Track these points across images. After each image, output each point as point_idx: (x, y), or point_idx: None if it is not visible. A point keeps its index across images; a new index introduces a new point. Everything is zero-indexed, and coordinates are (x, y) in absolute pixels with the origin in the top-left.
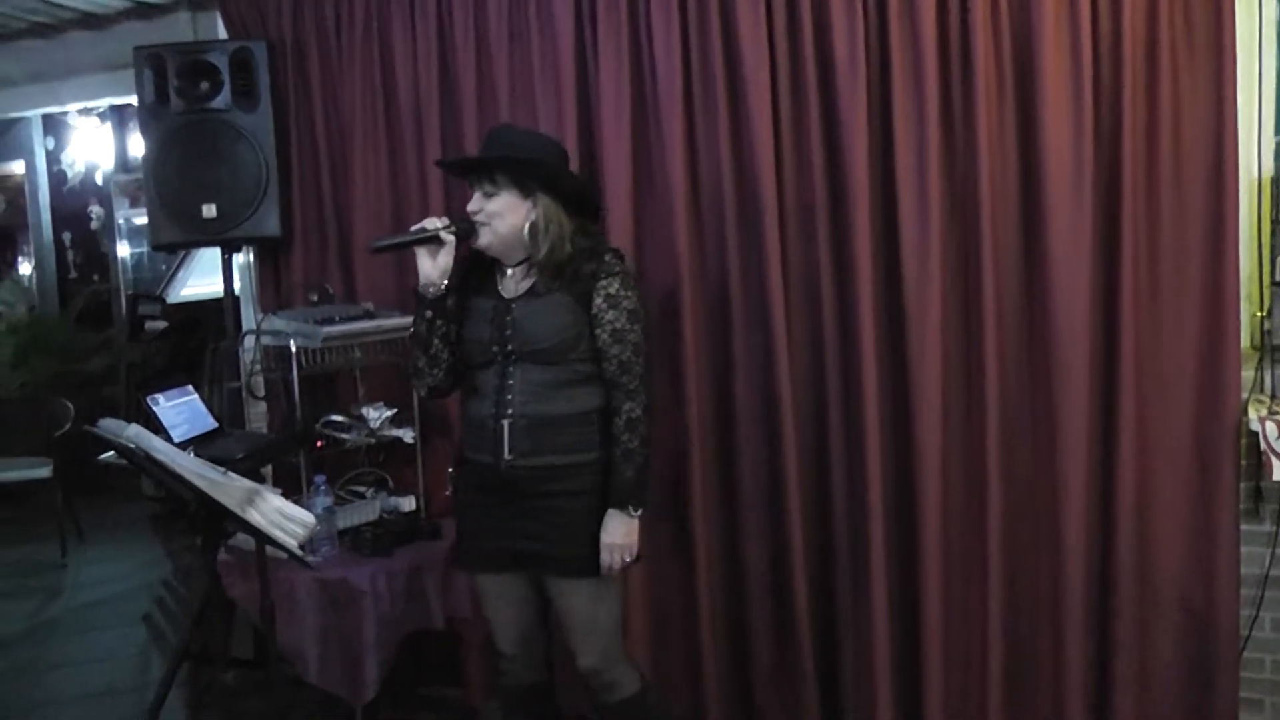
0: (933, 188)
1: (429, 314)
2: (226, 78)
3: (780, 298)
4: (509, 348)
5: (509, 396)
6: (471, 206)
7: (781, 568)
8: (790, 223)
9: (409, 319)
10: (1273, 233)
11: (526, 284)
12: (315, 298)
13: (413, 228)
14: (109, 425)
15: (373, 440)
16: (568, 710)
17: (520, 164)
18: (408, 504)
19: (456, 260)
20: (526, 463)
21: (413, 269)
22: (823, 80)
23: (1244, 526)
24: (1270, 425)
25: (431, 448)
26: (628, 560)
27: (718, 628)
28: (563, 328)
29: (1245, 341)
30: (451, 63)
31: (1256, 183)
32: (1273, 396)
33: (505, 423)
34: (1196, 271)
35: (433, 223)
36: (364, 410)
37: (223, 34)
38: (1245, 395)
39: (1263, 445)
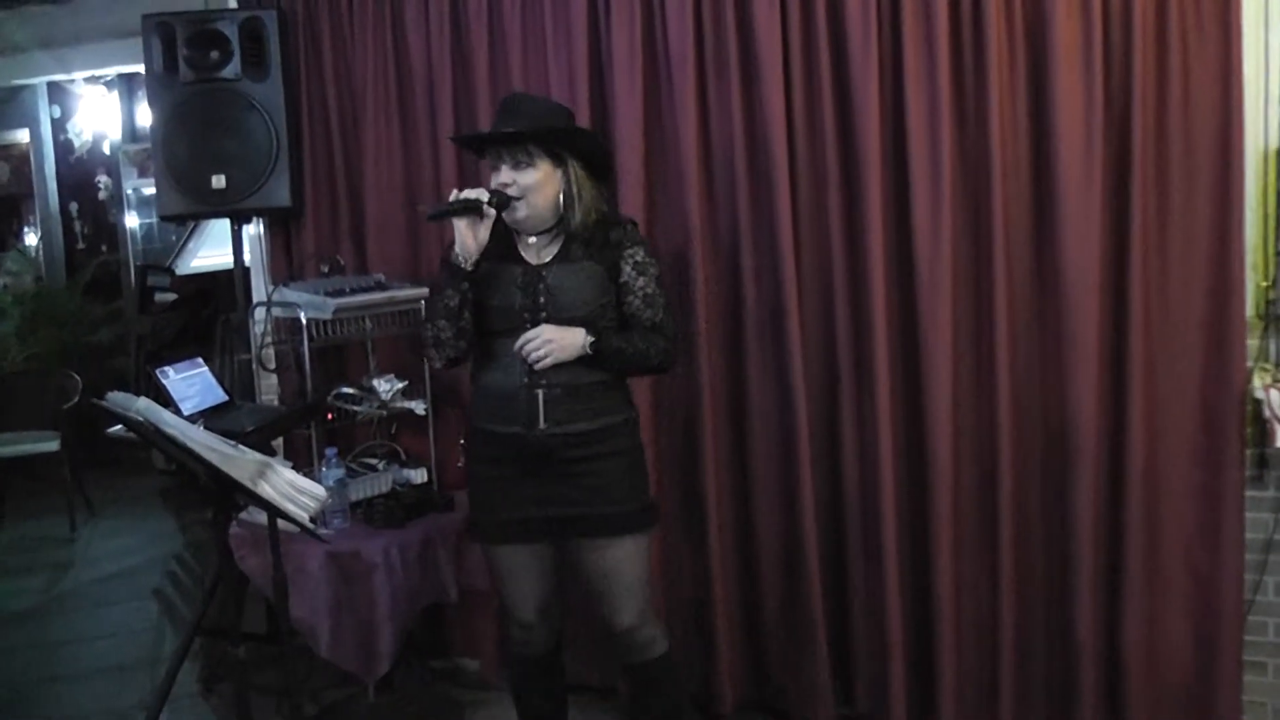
0: (944, 158)
1: (465, 286)
2: (236, 47)
3: (792, 268)
4: (542, 315)
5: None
6: (503, 179)
7: (794, 544)
8: (802, 191)
9: (420, 290)
10: (1278, 204)
11: (551, 250)
12: (326, 269)
13: (459, 195)
14: (117, 399)
15: (384, 412)
16: (574, 681)
17: (558, 134)
18: (419, 476)
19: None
20: (561, 430)
21: (426, 240)
22: (835, 48)
23: (1249, 493)
24: (1275, 393)
25: (443, 419)
26: (538, 351)
27: (730, 610)
28: (597, 294)
29: (1250, 311)
30: (464, 31)
31: (1263, 154)
32: (1278, 365)
33: (540, 391)
34: (1203, 242)
35: (479, 193)
36: (375, 382)
37: (232, 2)
38: (1251, 364)
39: (1267, 413)
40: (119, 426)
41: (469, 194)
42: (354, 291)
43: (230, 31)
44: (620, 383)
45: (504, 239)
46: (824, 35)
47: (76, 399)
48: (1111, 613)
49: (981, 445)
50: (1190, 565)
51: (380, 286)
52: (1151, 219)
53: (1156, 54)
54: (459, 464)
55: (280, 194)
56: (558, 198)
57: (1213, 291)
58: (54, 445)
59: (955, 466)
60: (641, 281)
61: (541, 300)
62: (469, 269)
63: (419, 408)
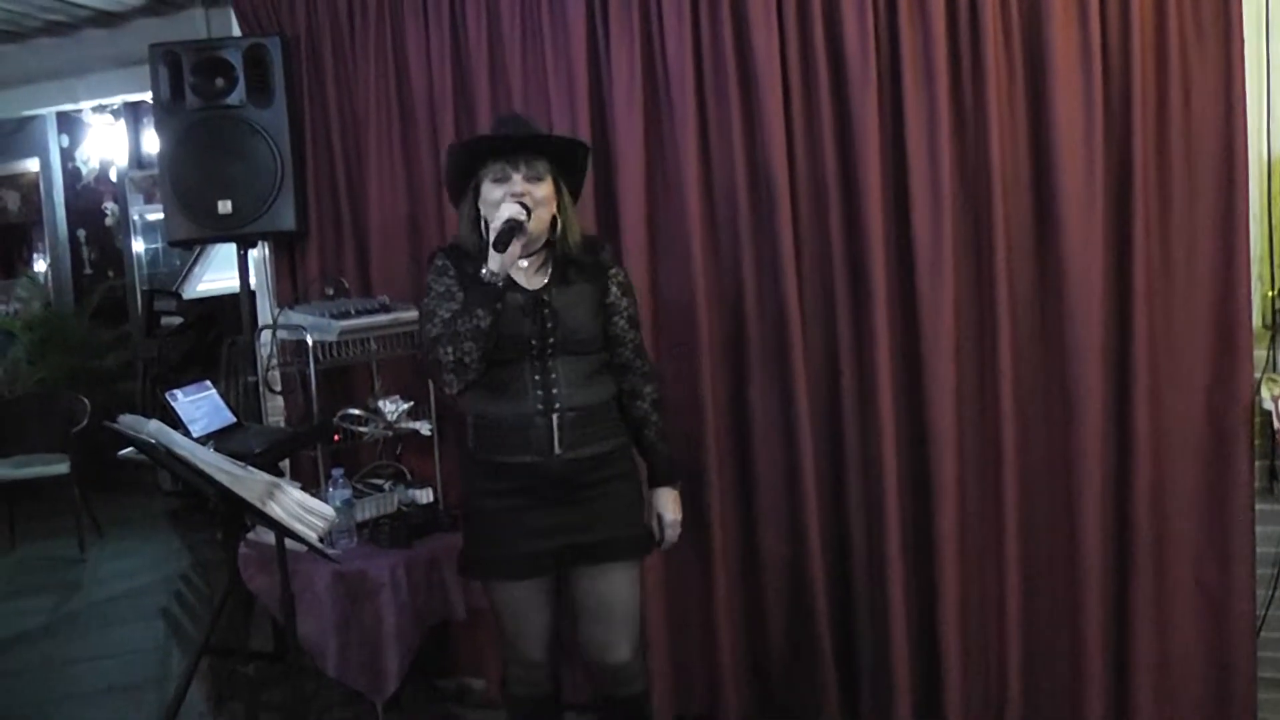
0: (945, 174)
1: (499, 306)
2: (241, 74)
3: (794, 287)
4: (550, 340)
5: (555, 391)
6: (515, 189)
7: (798, 557)
8: (803, 212)
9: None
10: None
11: (542, 275)
12: (331, 291)
13: (505, 216)
14: (129, 421)
15: (390, 433)
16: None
17: (580, 147)
18: (425, 496)
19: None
20: (575, 454)
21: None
22: (834, 69)
23: (1258, 506)
24: None
25: (448, 440)
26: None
27: (735, 618)
28: (594, 317)
29: (1257, 321)
30: (465, 56)
31: (1266, 163)
32: None
33: (554, 417)
34: (1208, 252)
35: (518, 211)
36: (381, 403)
37: (236, 30)
38: (1258, 375)
39: (1276, 424)
40: (130, 449)
41: (512, 212)
42: (358, 313)
43: (235, 59)
44: (615, 404)
45: (481, 262)
46: (822, 53)
47: (85, 422)
48: (1120, 628)
49: (986, 459)
50: (1200, 580)
51: (384, 308)
52: (1154, 229)
53: (1156, 62)
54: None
55: (285, 218)
56: (551, 218)
57: (1218, 301)
58: (63, 468)
59: (960, 479)
60: (625, 302)
61: (549, 325)
62: (501, 287)
63: (424, 428)
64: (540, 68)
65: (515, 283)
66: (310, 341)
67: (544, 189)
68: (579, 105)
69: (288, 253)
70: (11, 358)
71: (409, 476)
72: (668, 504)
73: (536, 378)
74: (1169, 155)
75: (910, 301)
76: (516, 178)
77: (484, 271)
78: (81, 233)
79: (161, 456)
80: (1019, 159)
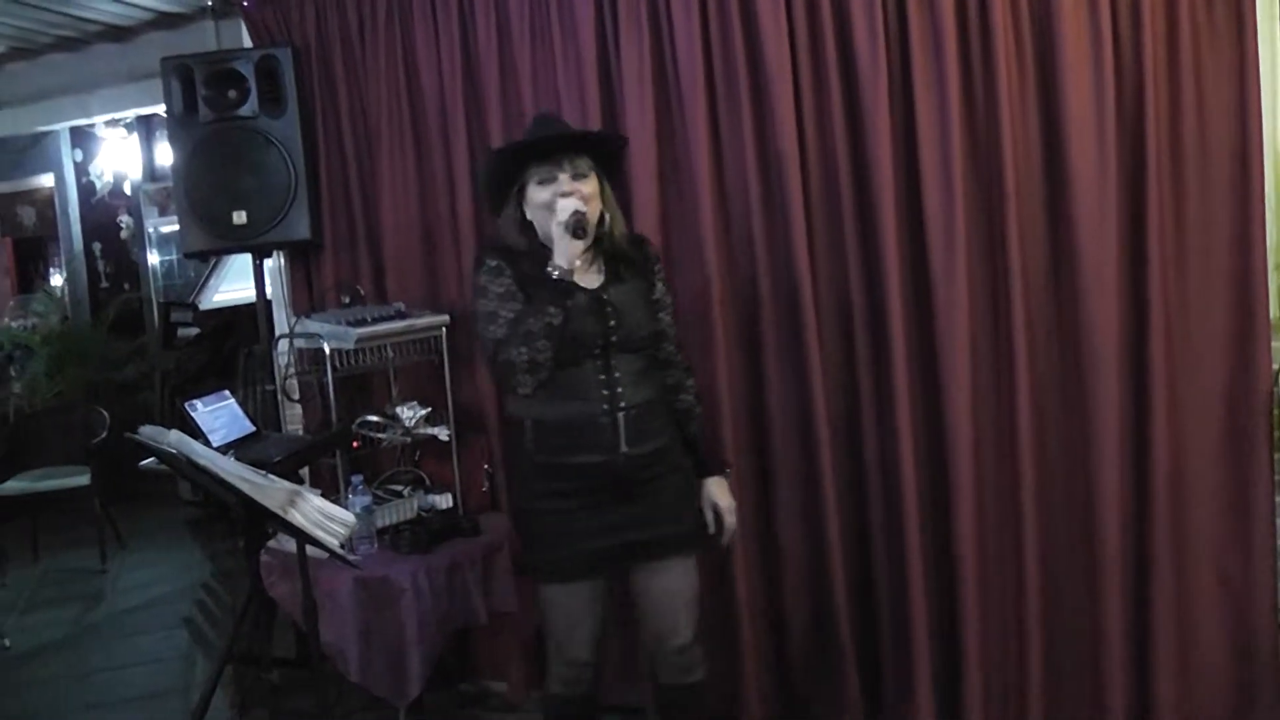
0: (957, 172)
1: (569, 302)
2: (253, 85)
3: (808, 286)
4: (613, 339)
5: (619, 389)
6: (563, 188)
7: (819, 556)
8: (815, 211)
9: (439, 318)
10: None
11: (595, 273)
12: (347, 299)
13: (570, 210)
14: (150, 432)
15: (408, 439)
16: None
17: (623, 143)
18: (445, 501)
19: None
20: (638, 450)
21: (443, 268)
22: (844, 68)
23: (1279, 498)
24: None
25: (466, 445)
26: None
27: (756, 618)
28: (648, 314)
29: (1274, 311)
30: (475, 60)
31: (1278, 154)
32: None
33: (620, 415)
34: (1224, 246)
35: (579, 204)
36: (398, 409)
37: (247, 41)
38: (1276, 367)
39: None
40: (151, 459)
41: (574, 206)
42: (375, 321)
43: (247, 70)
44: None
45: (539, 261)
46: (832, 51)
47: (104, 434)
48: (1141, 622)
49: (1003, 457)
50: (1221, 574)
51: (400, 315)
52: (1169, 221)
53: (1168, 58)
54: (483, 489)
55: (300, 227)
56: (599, 214)
57: (1234, 294)
58: (84, 480)
59: (977, 479)
60: (668, 298)
61: (612, 324)
62: (569, 283)
63: (442, 434)
64: (550, 70)
65: (576, 282)
66: (327, 349)
67: (589, 185)
68: (590, 108)
69: (303, 262)
70: (30, 372)
71: (428, 482)
72: (723, 493)
73: (601, 376)
74: (1183, 147)
75: (925, 298)
76: (563, 177)
77: (550, 269)
78: (97, 246)
79: (183, 466)
80: (1031, 153)
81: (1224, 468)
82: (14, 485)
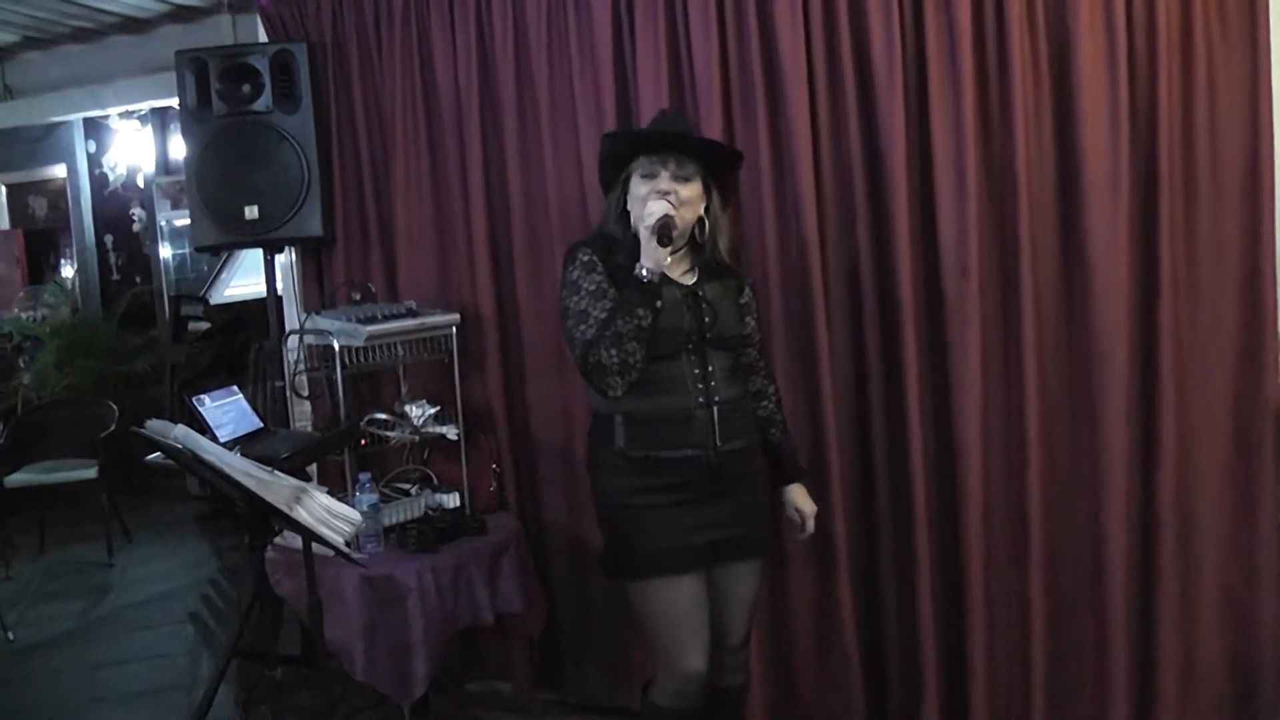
0: (970, 182)
1: (659, 304)
2: (268, 80)
3: (821, 292)
4: (707, 335)
5: (713, 384)
6: (663, 186)
7: (825, 557)
8: (829, 218)
9: (449, 316)
10: None
11: (689, 273)
12: (358, 296)
13: (656, 214)
14: (156, 426)
15: (416, 437)
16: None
17: (738, 158)
18: (452, 500)
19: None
20: (730, 447)
21: (456, 266)
22: (860, 77)
23: None
24: None
25: (475, 444)
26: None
27: (762, 617)
28: (738, 314)
29: None
30: (491, 60)
31: None
32: None
33: (715, 409)
34: (1234, 258)
35: (666, 208)
36: (407, 408)
37: (263, 36)
38: None
39: None
40: (158, 454)
41: (661, 209)
42: (386, 318)
43: (261, 65)
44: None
45: (632, 254)
46: (849, 67)
47: (113, 427)
48: (1145, 633)
49: (1011, 465)
50: (1226, 588)
51: (411, 313)
52: (1180, 231)
53: (1182, 69)
54: (491, 489)
55: (312, 223)
56: (696, 219)
57: (1244, 308)
58: (92, 473)
59: (985, 487)
60: (755, 303)
61: (706, 320)
62: (657, 284)
63: (451, 433)
64: (566, 73)
65: (669, 278)
66: (337, 346)
67: (690, 190)
68: (605, 111)
69: (314, 258)
70: (39, 364)
71: (436, 481)
72: (804, 498)
73: (696, 371)
74: (1195, 156)
75: (937, 305)
76: (664, 175)
77: (639, 270)
78: (109, 239)
79: (188, 461)
80: (1044, 164)
81: (1230, 479)
82: (22, 477)
